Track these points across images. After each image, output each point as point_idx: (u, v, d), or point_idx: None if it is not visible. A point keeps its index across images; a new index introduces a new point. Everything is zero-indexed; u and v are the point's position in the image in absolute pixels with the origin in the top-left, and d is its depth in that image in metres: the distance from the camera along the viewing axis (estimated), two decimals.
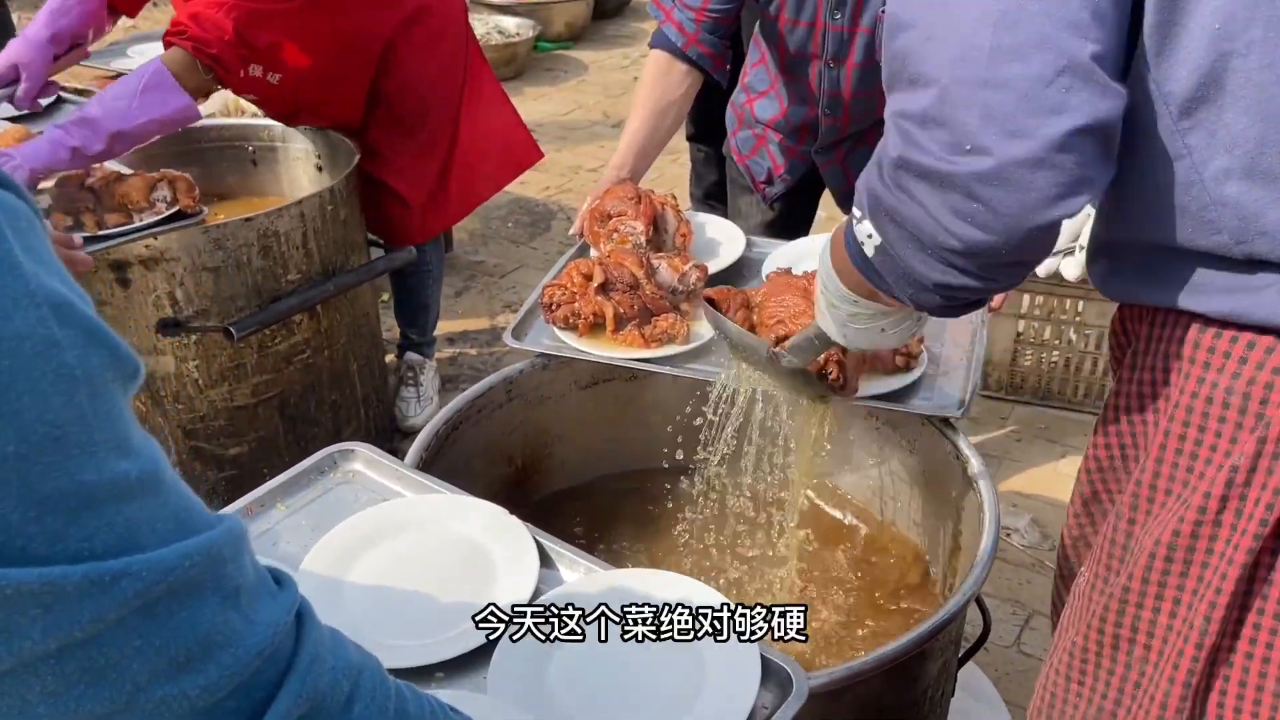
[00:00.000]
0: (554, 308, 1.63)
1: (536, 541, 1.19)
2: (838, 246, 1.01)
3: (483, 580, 1.15)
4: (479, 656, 1.05)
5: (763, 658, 1.03)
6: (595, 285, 1.62)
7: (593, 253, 1.83)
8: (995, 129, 0.77)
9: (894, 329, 1.08)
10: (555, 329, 1.64)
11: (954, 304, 0.93)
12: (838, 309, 1.07)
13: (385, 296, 2.99)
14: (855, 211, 0.93)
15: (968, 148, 0.78)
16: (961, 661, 1.42)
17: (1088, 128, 0.78)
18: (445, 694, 1.02)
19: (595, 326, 1.62)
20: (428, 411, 2.73)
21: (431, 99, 2.48)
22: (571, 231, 1.92)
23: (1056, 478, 2.56)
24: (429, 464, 1.42)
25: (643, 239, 1.76)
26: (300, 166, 2.66)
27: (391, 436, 2.70)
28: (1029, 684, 1.97)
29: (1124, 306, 1.03)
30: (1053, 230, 0.82)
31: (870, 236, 0.91)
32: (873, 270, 0.93)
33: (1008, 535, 2.36)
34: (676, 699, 1.01)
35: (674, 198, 1.92)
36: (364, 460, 1.34)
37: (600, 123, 4.98)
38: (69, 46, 2.21)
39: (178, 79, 2.03)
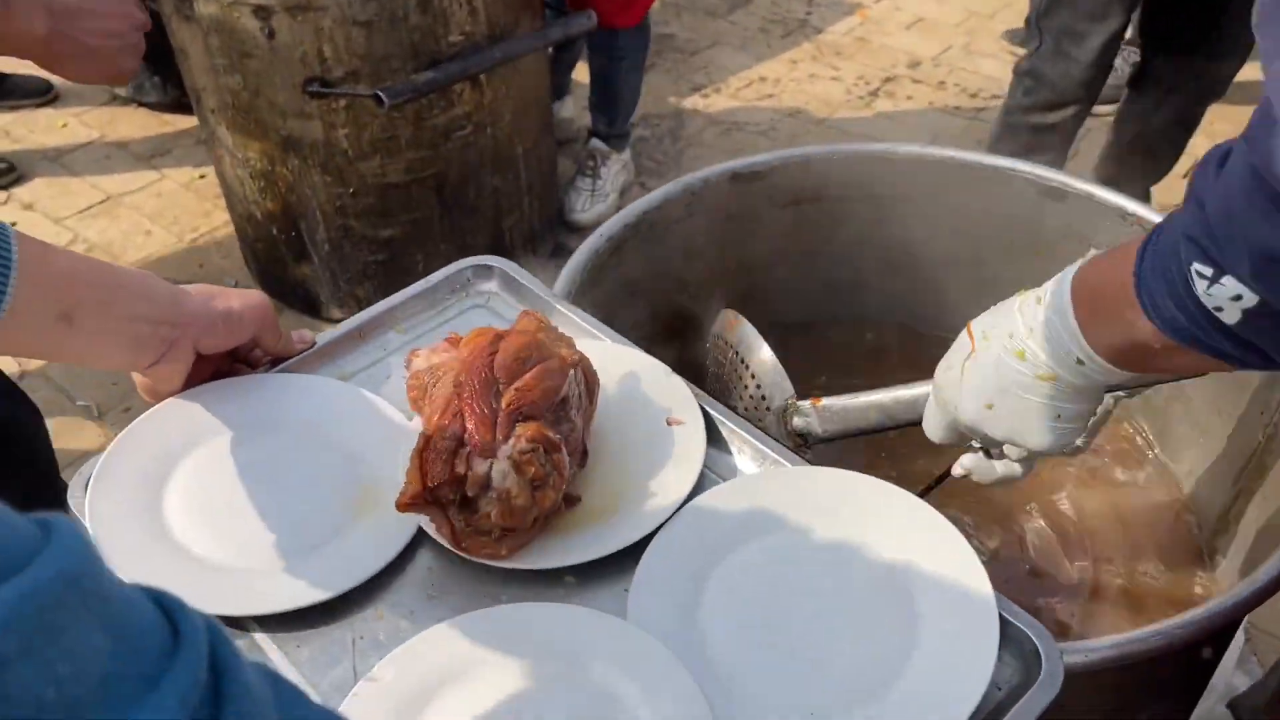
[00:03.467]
0: None
1: (704, 411, 0.92)
2: (1112, 302, 0.72)
3: None
4: (626, 557, 0.81)
5: (1001, 618, 0.75)
6: None
7: None
8: None
9: (1067, 423, 0.79)
10: None
11: None
12: (1019, 370, 0.78)
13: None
14: (1199, 269, 0.64)
15: None
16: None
17: None
18: (548, 607, 0.78)
19: None
20: (599, 209, 2.45)
21: None
22: None
23: None
24: (583, 290, 1.15)
25: None
26: None
27: (557, 231, 2.45)
28: None
29: None
30: None
31: (1238, 299, 0.63)
32: (1235, 340, 0.66)
33: None
34: (875, 663, 0.74)
35: None
36: (503, 280, 1.08)
37: None
38: None
39: None
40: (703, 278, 1.36)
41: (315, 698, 0.74)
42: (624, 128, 2.54)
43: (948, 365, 0.83)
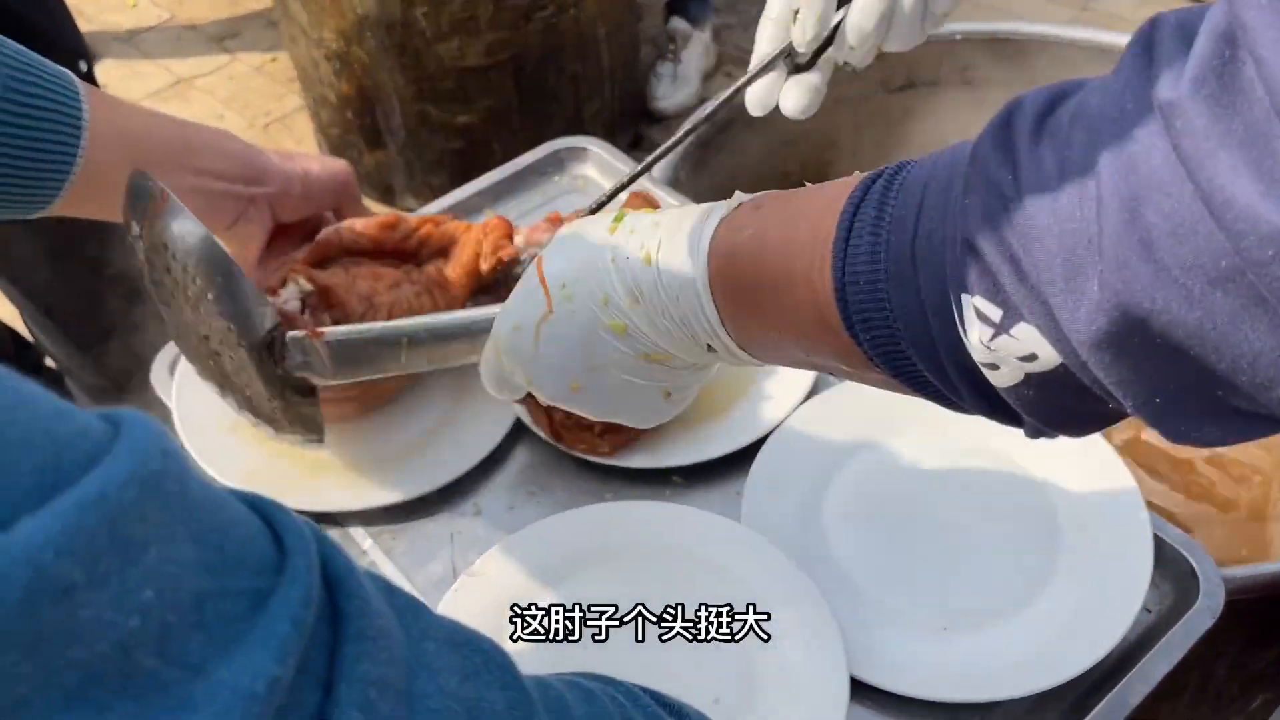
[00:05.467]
0: None
1: None
2: (782, 297, 0.44)
3: None
4: (737, 460, 0.75)
5: (1154, 536, 0.69)
6: None
7: None
8: None
9: (679, 398, 0.54)
10: None
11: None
12: (619, 349, 0.50)
13: None
14: (979, 306, 0.36)
15: None
16: None
17: None
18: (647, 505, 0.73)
19: None
20: (683, 95, 2.34)
21: None
22: None
23: None
24: (686, 177, 1.08)
25: None
26: None
27: (638, 120, 2.36)
28: None
29: None
30: None
31: (1030, 359, 0.36)
32: (990, 402, 0.40)
33: None
34: (1013, 579, 0.68)
35: None
36: (598, 165, 1.01)
37: None
38: None
39: None
40: (806, 169, 1.27)
41: (414, 593, 0.71)
42: None
43: (514, 323, 0.52)
